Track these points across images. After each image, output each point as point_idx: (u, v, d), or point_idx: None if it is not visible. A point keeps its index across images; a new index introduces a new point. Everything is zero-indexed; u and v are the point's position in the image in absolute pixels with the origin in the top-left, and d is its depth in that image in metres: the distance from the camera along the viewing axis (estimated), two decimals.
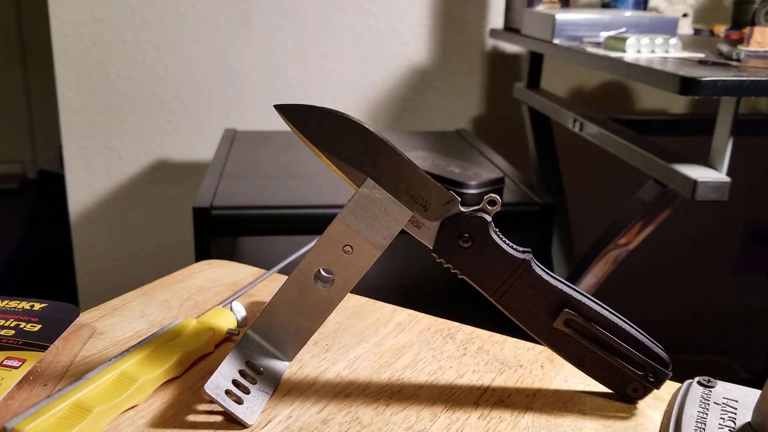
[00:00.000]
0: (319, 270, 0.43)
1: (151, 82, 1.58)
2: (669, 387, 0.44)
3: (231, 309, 0.50)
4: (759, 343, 1.74)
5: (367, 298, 0.57)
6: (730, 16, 1.40)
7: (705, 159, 0.86)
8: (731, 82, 0.75)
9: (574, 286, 0.43)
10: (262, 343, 0.44)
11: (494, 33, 1.51)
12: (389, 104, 1.63)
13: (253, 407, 0.40)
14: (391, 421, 0.40)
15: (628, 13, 1.21)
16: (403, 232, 0.42)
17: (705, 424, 0.39)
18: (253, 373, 0.42)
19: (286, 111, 0.42)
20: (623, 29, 1.13)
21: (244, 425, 0.39)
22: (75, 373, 0.43)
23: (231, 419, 0.39)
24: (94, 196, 1.65)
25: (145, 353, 0.43)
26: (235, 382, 0.41)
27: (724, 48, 0.97)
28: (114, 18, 1.54)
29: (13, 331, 0.45)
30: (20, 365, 0.42)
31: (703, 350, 1.81)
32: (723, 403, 0.41)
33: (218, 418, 0.39)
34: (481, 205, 0.42)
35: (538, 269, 0.42)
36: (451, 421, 0.41)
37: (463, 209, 0.42)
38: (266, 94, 1.61)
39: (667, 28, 1.14)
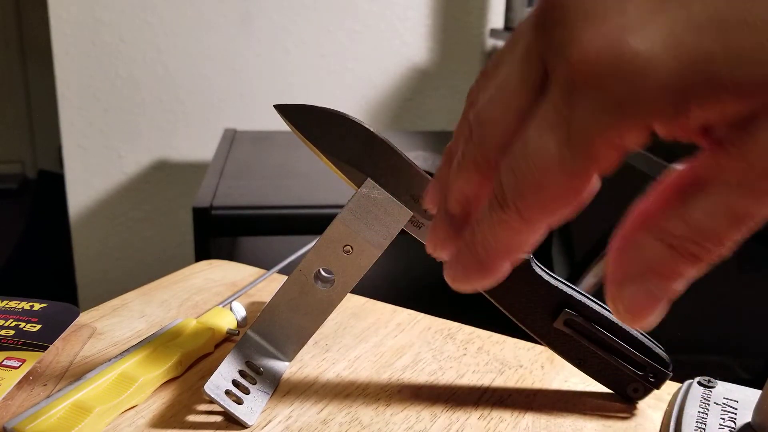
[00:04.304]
0: (319, 270, 0.43)
1: (151, 82, 1.58)
2: (669, 387, 0.44)
3: (231, 309, 0.50)
4: (759, 343, 1.74)
5: (367, 298, 0.57)
6: None
7: None
8: None
9: (574, 286, 0.43)
10: (262, 343, 0.44)
11: (494, 33, 1.51)
12: (389, 104, 1.63)
13: (253, 407, 0.40)
14: (391, 421, 0.40)
15: None
16: (403, 232, 0.42)
17: (705, 425, 0.39)
18: (253, 373, 0.42)
19: (285, 111, 0.42)
20: None
21: (244, 425, 0.39)
22: (75, 373, 0.43)
23: (231, 419, 0.39)
24: (94, 196, 1.65)
25: (145, 353, 0.43)
26: (235, 383, 0.41)
27: None
28: (114, 18, 1.54)
29: (12, 331, 0.45)
30: (20, 365, 0.42)
31: (703, 350, 1.81)
32: (723, 403, 0.41)
33: (218, 419, 0.39)
34: None
35: (538, 269, 0.42)
36: (451, 421, 0.41)
37: None
38: (266, 94, 1.60)
39: None
